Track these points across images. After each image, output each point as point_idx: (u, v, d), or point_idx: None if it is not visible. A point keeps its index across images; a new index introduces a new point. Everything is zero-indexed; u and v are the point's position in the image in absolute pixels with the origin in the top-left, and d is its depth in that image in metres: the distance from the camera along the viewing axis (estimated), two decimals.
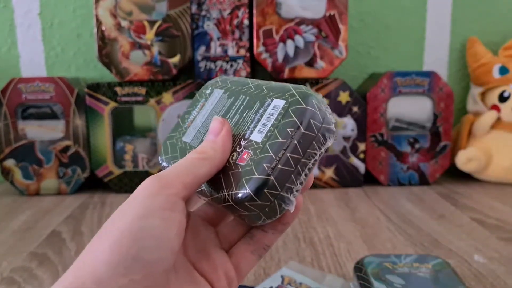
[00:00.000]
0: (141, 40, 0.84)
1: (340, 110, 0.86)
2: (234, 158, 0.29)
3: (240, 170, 0.28)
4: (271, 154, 0.27)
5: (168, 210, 0.25)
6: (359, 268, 0.45)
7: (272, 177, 0.26)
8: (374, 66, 1.02)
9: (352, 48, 1.00)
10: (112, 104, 0.85)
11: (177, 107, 0.85)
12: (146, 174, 0.87)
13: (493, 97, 0.94)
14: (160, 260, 0.25)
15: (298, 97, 0.28)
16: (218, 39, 0.85)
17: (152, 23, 0.84)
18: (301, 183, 0.28)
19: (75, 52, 0.98)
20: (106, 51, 0.84)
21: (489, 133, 0.93)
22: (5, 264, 0.56)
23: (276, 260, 0.56)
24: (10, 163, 0.86)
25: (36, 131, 0.87)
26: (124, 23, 0.83)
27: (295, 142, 0.27)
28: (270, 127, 0.28)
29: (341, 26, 0.84)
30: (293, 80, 0.85)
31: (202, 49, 0.85)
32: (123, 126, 0.96)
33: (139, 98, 0.85)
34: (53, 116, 0.89)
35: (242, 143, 0.29)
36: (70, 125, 0.86)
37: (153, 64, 0.84)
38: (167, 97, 0.85)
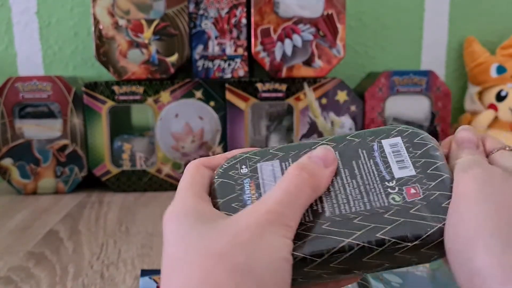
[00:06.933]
0: (139, 39, 0.84)
1: (337, 109, 0.87)
2: (397, 199, 0.27)
3: (420, 208, 0.27)
4: (443, 177, 0.27)
5: (282, 237, 0.25)
6: None
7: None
8: (371, 65, 1.02)
9: (350, 47, 1.00)
10: (110, 103, 0.85)
11: (175, 106, 0.85)
12: (144, 173, 0.87)
13: (490, 97, 0.94)
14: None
15: (410, 129, 0.30)
16: (216, 38, 0.85)
17: (149, 22, 0.83)
18: None
19: (72, 50, 0.98)
20: (103, 50, 0.83)
21: (487, 132, 0.93)
22: (1, 263, 0.56)
23: None
24: (7, 162, 0.86)
25: (34, 130, 0.87)
26: (122, 22, 0.83)
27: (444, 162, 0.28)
28: (410, 160, 0.29)
29: (339, 25, 0.84)
30: (291, 79, 0.85)
31: (200, 48, 0.85)
32: (121, 125, 0.96)
33: (137, 97, 0.85)
34: (50, 115, 0.88)
35: (390, 184, 0.28)
36: (68, 124, 0.85)
37: (151, 63, 0.84)
38: (165, 96, 0.85)
